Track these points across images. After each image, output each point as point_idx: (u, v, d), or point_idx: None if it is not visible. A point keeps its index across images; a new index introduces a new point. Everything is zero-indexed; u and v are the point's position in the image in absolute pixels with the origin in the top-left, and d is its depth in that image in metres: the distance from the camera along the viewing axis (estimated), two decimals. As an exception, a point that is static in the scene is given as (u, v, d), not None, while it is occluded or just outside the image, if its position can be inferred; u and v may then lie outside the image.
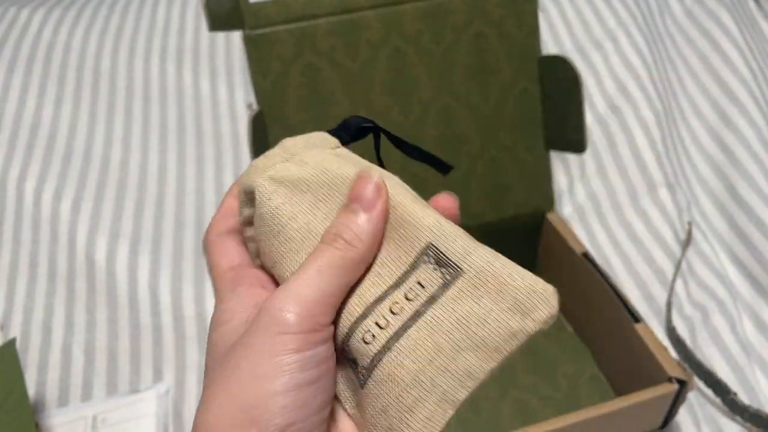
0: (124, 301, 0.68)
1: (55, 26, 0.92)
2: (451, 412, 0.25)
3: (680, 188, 0.77)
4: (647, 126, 0.81)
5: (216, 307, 0.27)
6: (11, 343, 0.57)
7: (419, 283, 0.25)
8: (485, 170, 0.65)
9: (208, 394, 0.24)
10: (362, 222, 0.26)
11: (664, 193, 0.76)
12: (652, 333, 0.55)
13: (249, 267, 0.29)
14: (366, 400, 0.25)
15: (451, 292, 0.25)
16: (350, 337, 0.25)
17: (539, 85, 0.64)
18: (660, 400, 0.51)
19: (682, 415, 0.58)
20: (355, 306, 0.26)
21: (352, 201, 0.26)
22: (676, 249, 0.72)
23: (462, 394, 0.25)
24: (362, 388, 0.25)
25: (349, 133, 0.31)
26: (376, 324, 0.25)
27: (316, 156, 0.29)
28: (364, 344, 0.25)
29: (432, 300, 0.25)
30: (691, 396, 0.60)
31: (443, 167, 0.32)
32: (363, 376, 0.25)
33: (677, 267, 0.69)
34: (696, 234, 0.73)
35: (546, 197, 0.67)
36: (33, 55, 0.89)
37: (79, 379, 0.63)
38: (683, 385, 0.51)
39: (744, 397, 0.59)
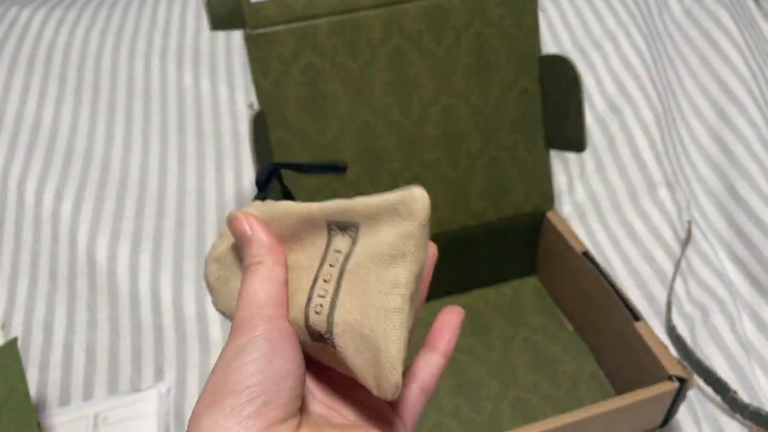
0: (125, 300, 0.69)
1: (56, 26, 0.92)
2: (396, 318, 0.27)
3: (680, 187, 0.77)
4: (647, 125, 0.81)
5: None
6: (13, 342, 0.57)
7: (337, 251, 0.30)
8: (485, 169, 0.65)
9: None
10: (254, 247, 0.30)
11: (663, 193, 0.77)
12: (652, 331, 0.55)
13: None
14: (345, 356, 0.28)
15: (360, 242, 0.29)
16: (308, 319, 0.29)
17: (539, 84, 0.64)
18: (660, 398, 0.51)
19: (683, 414, 0.58)
20: (301, 297, 0.30)
21: (237, 239, 0.31)
22: (676, 248, 0.72)
23: (396, 301, 0.28)
24: (336, 349, 0.28)
25: (261, 187, 0.34)
26: (319, 296, 0.29)
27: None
28: (317, 315, 0.29)
29: (348, 256, 0.29)
30: (691, 394, 0.60)
31: (339, 169, 0.35)
32: (330, 340, 0.28)
33: (677, 266, 0.70)
34: (695, 233, 0.73)
35: (546, 196, 0.68)
36: (34, 55, 0.89)
37: (80, 378, 0.64)
38: (683, 383, 0.51)
39: (744, 396, 0.59)
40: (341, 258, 0.29)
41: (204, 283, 0.70)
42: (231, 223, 0.31)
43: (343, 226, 0.30)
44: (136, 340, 0.66)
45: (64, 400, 0.62)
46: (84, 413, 0.60)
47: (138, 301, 0.68)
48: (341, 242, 0.30)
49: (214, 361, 0.67)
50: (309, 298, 0.29)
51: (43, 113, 0.84)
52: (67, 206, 0.75)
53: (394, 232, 0.28)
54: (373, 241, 0.29)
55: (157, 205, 0.77)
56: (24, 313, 0.68)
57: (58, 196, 0.76)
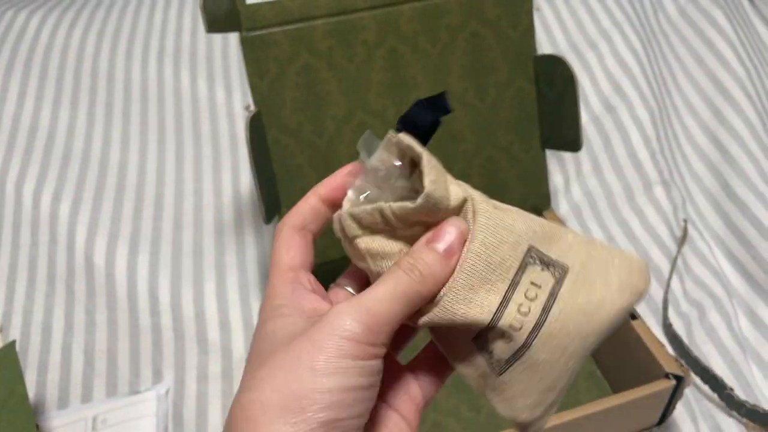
0: (123, 302, 0.69)
1: (52, 28, 0.92)
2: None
3: (675, 186, 0.78)
4: (642, 124, 0.82)
5: (271, 298, 0.28)
6: (11, 345, 0.57)
7: (533, 283, 0.28)
8: (482, 169, 0.65)
9: (261, 375, 0.25)
10: (439, 264, 0.27)
11: (659, 191, 0.77)
12: (648, 330, 0.55)
13: (308, 271, 0.30)
14: (504, 385, 0.29)
15: (566, 286, 0.28)
16: (489, 331, 0.28)
17: (535, 84, 0.64)
18: (657, 396, 0.51)
19: (680, 411, 0.59)
20: (482, 315, 0.28)
21: (436, 240, 0.28)
22: (672, 246, 0.72)
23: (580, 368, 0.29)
24: (499, 375, 0.29)
25: (417, 129, 0.30)
26: (511, 326, 0.28)
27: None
28: (505, 343, 0.28)
29: (552, 296, 0.28)
30: (688, 392, 0.60)
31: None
32: (499, 366, 0.28)
33: (673, 264, 0.70)
34: (691, 231, 0.74)
35: (542, 196, 0.68)
36: (31, 57, 0.89)
37: (79, 380, 0.64)
38: (680, 381, 0.51)
39: (740, 393, 0.59)
40: (545, 295, 0.28)
41: (202, 284, 0.71)
42: (453, 228, 0.28)
43: (548, 262, 0.28)
44: (135, 342, 0.66)
45: (63, 402, 0.62)
46: (83, 415, 0.60)
47: (136, 302, 0.69)
48: (540, 277, 0.28)
49: (213, 362, 0.66)
50: (497, 319, 0.28)
51: (41, 115, 0.84)
52: (65, 208, 0.75)
53: (612, 298, 0.28)
54: (585, 295, 0.28)
55: (155, 206, 0.77)
56: (22, 315, 0.68)
57: (56, 198, 0.76)
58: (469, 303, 0.27)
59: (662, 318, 0.66)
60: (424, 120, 0.30)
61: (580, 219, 0.77)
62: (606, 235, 0.75)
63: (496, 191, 0.66)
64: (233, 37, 0.92)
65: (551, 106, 0.64)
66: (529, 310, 0.28)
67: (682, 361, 0.62)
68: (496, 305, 0.28)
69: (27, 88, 0.86)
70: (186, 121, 0.85)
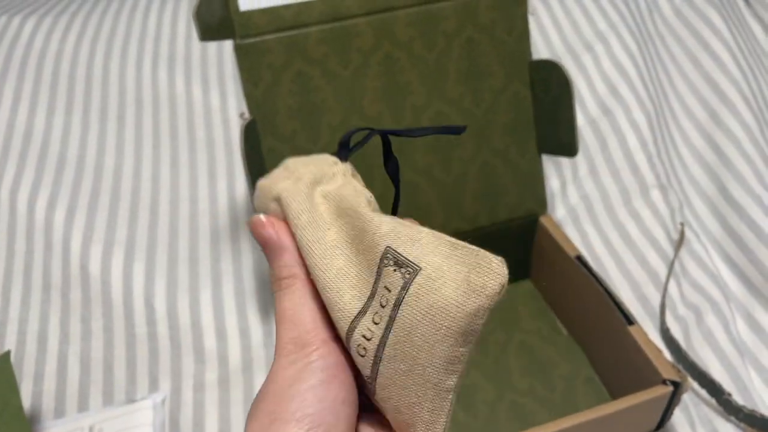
0: (119, 310, 0.68)
1: (46, 33, 0.92)
2: (449, 398, 0.27)
3: (672, 189, 0.77)
4: (639, 127, 0.81)
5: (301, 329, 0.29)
6: (6, 356, 0.57)
7: (386, 288, 0.27)
8: (478, 174, 0.65)
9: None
10: (284, 257, 0.29)
11: (656, 194, 0.77)
12: (645, 335, 0.55)
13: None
14: (382, 404, 0.28)
15: (413, 289, 0.26)
16: (350, 351, 0.28)
17: (530, 89, 0.64)
18: (655, 402, 0.51)
19: (677, 416, 0.59)
20: (343, 322, 0.27)
21: (263, 246, 0.30)
22: (669, 250, 0.72)
23: (452, 380, 0.26)
24: (373, 395, 0.28)
25: (346, 147, 0.32)
26: (363, 337, 0.27)
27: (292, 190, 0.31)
28: (360, 357, 0.27)
29: (399, 303, 0.26)
30: (686, 397, 0.60)
31: (455, 130, 0.32)
32: (371, 385, 0.27)
33: (670, 268, 0.70)
34: (688, 235, 0.73)
35: (539, 200, 0.68)
36: (25, 63, 0.89)
37: (75, 389, 0.63)
38: (678, 387, 0.51)
39: (738, 398, 0.59)
40: (391, 301, 0.26)
41: (198, 291, 0.70)
42: (254, 227, 0.30)
43: (401, 262, 0.26)
44: (131, 351, 0.66)
45: (59, 411, 0.62)
46: (79, 425, 0.60)
47: (132, 310, 0.68)
48: (391, 278, 0.26)
49: (209, 371, 0.66)
50: (351, 330, 0.27)
51: (35, 121, 0.84)
52: (60, 215, 0.75)
53: (458, 301, 0.25)
54: (430, 298, 0.25)
55: (150, 213, 0.77)
56: (18, 323, 0.68)
57: (51, 205, 0.76)
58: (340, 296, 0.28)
59: (659, 322, 0.66)
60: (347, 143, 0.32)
61: (577, 223, 0.77)
62: (603, 238, 0.75)
63: (492, 196, 0.66)
64: (228, 43, 0.92)
65: (547, 111, 0.64)
66: (381, 319, 0.26)
67: (680, 366, 0.62)
68: (356, 311, 0.27)
69: (21, 94, 0.86)
70: (181, 126, 0.85)
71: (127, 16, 0.95)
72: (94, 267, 0.71)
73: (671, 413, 0.54)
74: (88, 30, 0.93)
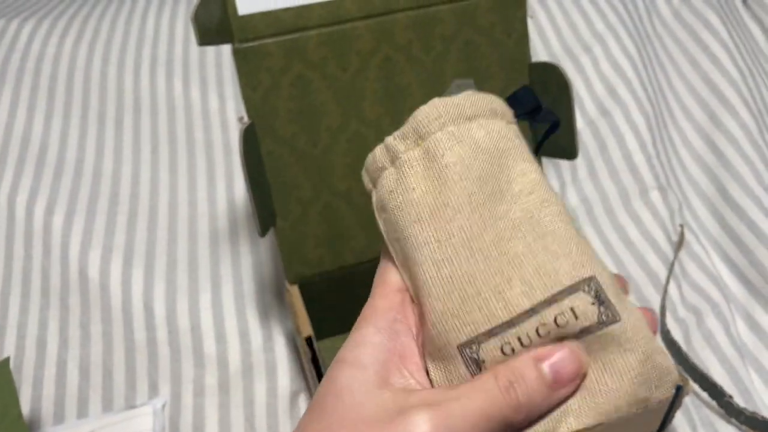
0: (118, 314, 0.68)
1: (44, 37, 0.92)
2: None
3: (671, 190, 0.77)
4: (637, 128, 0.81)
5: (357, 334, 0.25)
6: (5, 363, 0.57)
7: (572, 310, 0.25)
8: (478, 177, 0.65)
9: None
10: (541, 393, 0.24)
11: (655, 196, 0.77)
12: (646, 338, 0.55)
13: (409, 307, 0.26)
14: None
15: (605, 333, 0.25)
16: (485, 340, 0.25)
17: (530, 91, 0.64)
18: (656, 405, 0.51)
19: (679, 419, 0.58)
20: (500, 310, 0.25)
21: (545, 360, 0.24)
22: (669, 251, 0.72)
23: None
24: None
25: (524, 109, 0.29)
26: (519, 339, 0.25)
27: (498, 130, 0.28)
28: (501, 353, 0.25)
29: (582, 333, 0.25)
30: (687, 400, 0.60)
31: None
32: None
33: (670, 270, 0.70)
34: (688, 236, 0.73)
35: (539, 203, 0.68)
36: (23, 68, 0.89)
37: (74, 395, 0.63)
38: (679, 389, 0.51)
39: (739, 400, 0.59)
40: (575, 329, 0.26)
41: (198, 296, 0.70)
42: (572, 357, 0.24)
43: (603, 300, 0.26)
44: (130, 356, 0.66)
45: (59, 417, 0.62)
46: (79, 431, 0.60)
47: (131, 315, 0.68)
48: (585, 309, 0.25)
49: (209, 375, 0.66)
50: (509, 325, 0.25)
51: (33, 126, 0.83)
52: (58, 220, 0.75)
53: (635, 379, 0.27)
54: (614, 354, 0.26)
55: (149, 217, 0.76)
56: (16, 329, 0.68)
57: (49, 210, 0.76)
58: None
59: (660, 324, 0.66)
60: (529, 101, 0.29)
61: (576, 224, 0.77)
62: (602, 240, 0.75)
63: (492, 199, 0.66)
64: (226, 46, 0.92)
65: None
66: (547, 335, 0.25)
67: (681, 369, 0.62)
68: (522, 309, 0.25)
69: (19, 98, 0.85)
70: (179, 130, 0.84)
71: (125, 20, 0.95)
72: (93, 271, 0.71)
73: (673, 416, 0.53)
74: (86, 33, 0.93)
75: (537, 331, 0.24)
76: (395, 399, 0.22)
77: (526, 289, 0.25)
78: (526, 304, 0.25)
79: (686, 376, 0.59)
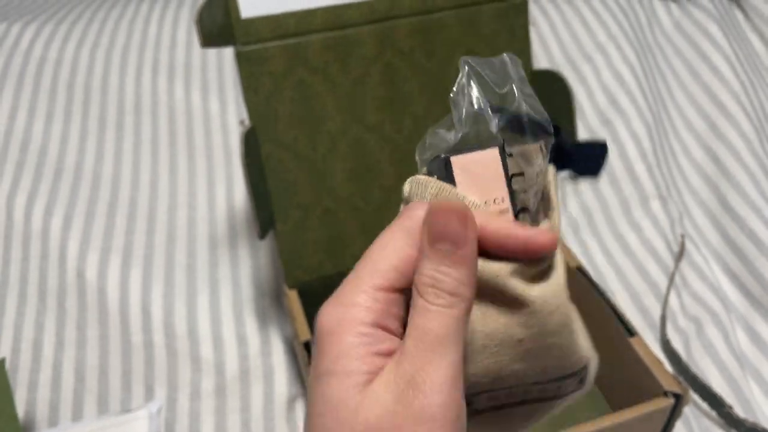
0: (115, 318, 0.68)
1: (46, 41, 0.92)
2: None
3: (672, 200, 0.77)
4: (638, 138, 0.81)
5: (345, 282, 0.24)
6: (1, 363, 0.56)
7: (559, 387, 0.29)
8: (478, 184, 0.65)
9: None
10: (462, 271, 0.23)
11: (656, 205, 0.77)
12: (647, 347, 0.54)
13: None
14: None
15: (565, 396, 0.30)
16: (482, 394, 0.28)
17: (531, 99, 0.64)
18: (656, 414, 0.51)
19: (678, 429, 0.58)
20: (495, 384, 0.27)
21: (437, 240, 0.23)
22: (669, 261, 0.72)
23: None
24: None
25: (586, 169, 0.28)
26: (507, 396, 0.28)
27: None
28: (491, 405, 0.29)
29: (554, 398, 0.30)
30: (687, 409, 0.60)
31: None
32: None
33: (671, 279, 0.69)
34: (688, 245, 0.73)
35: (539, 211, 0.67)
36: (24, 71, 0.89)
37: (69, 398, 0.63)
38: (679, 399, 0.51)
39: (739, 410, 0.59)
40: (551, 396, 0.31)
41: (195, 300, 0.70)
42: (445, 213, 0.23)
43: (583, 378, 0.31)
44: (126, 359, 0.65)
45: (53, 420, 0.61)
46: (73, 434, 0.59)
47: (128, 318, 0.68)
48: (569, 384, 0.30)
49: (206, 380, 0.66)
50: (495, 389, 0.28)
51: (33, 128, 0.83)
52: (57, 222, 0.75)
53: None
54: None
55: (148, 220, 0.76)
56: (13, 331, 0.67)
57: (48, 212, 0.75)
58: None
59: (660, 334, 0.66)
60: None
61: (577, 233, 0.76)
62: (603, 249, 0.75)
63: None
64: (228, 50, 0.92)
65: (548, 121, 0.64)
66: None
67: (681, 378, 0.61)
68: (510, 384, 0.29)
69: (20, 101, 0.85)
70: (180, 134, 0.84)
71: (128, 25, 0.95)
72: (91, 274, 0.70)
73: (672, 426, 0.53)
74: (88, 38, 0.93)
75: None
76: (387, 390, 0.22)
77: (516, 370, 0.29)
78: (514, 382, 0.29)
79: (686, 385, 0.59)
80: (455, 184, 0.26)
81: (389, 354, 0.23)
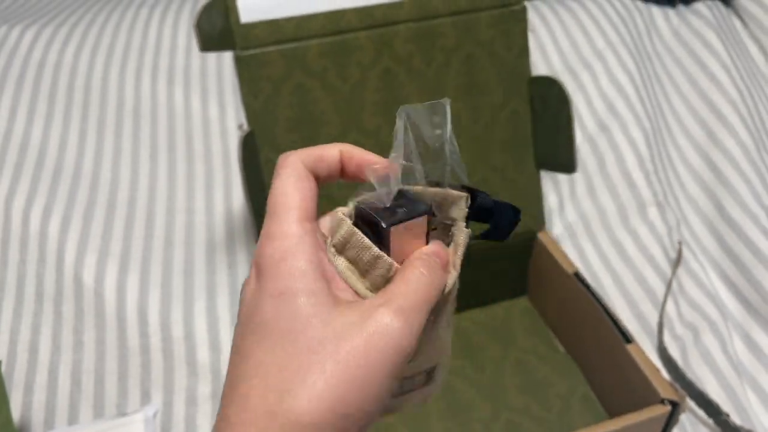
0: (112, 321, 0.68)
1: (46, 44, 0.92)
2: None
3: (669, 207, 0.77)
4: (636, 145, 0.82)
5: (268, 225, 0.27)
6: (-4, 366, 0.56)
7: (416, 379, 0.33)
8: (476, 190, 0.65)
9: (312, 380, 0.24)
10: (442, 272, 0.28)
11: (653, 212, 0.77)
12: (644, 354, 0.54)
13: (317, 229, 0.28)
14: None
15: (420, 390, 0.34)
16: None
17: (529, 106, 0.64)
18: (653, 422, 0.51)
19: (675, 436, 0.58)
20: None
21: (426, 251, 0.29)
22: (666, 268, 0.72)
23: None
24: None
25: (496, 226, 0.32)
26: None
27: None
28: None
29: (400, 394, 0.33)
30: (683, 417, 0.60)
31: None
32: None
33: (668, 286, 0.69)
34: (686, 253, 0.73)
35: (537, 217, 0.68)
36: (23, 73, 0.89)
37: (65, 401, 0.63)
38: (676, 407, 0.51)
39: (736, 418, 0.59)
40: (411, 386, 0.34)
41: (192, 304, 0.70)
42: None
43: (432, 375, 0.34)
44: (123, 363, 0.65)
45: (49, 424, 0.61)
46: (68, 438, 0.59)
47: (125, 322, 0.68)
48: (421, 379, 0.34)
49: (202, 384, 0.66)
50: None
51: (32, 131, 0.83)
52: (54, 225, 0.75)
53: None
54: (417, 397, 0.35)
55: (146, 224, 0.76)
56: (9, 334, 0.67)
57: (46, 215, 0.75)
58: None
59: (657, 341, 0.66)
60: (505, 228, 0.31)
61: (574, 240, 0.77)
62: (600, 256, 0.75)
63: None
64: (227, 55, 0.92)
65: (546, 128, 0.64)
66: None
67: (677, 385, 0.61)
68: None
69: (18, 104, 0.85)
70: (179, 138, 0.84)
71: (128, 29, 0.95)
72: (88, 278, 0.70)
73: (669, 433, 0.53)
74: (88, 41, 0.93)
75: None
76: (353, 310, 0.25)
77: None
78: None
79: (683, 393, 0.59)
80: (389, 252, 0.28)
81: (330, 278, 0.26)
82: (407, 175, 0.29)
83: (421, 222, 0.29)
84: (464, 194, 0.30)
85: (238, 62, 0.55)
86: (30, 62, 0.90)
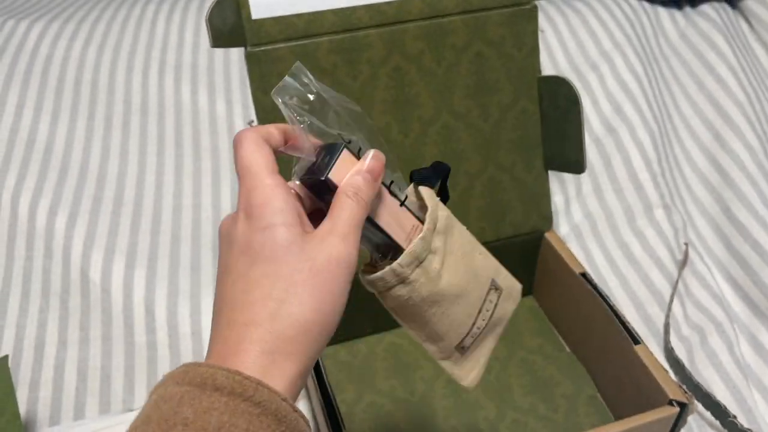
0: (118, 318, 0.68)
1: (53, 39, 0.92)
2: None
3: (676, 208, 0.77)
4: (643, 146, 0.82)
5: (248, 181, 0.33)
6: (3, 361, 0.56)
7: (490, 301, 0.42)
8: (484, 189, 0.65)
9: (303, 298, 0.31)
10: (371, 187, 0.35)
11: (660, 213, 0.77)
12: (652, 355, 0.54)
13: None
14: (465, 358, 0.44)
15: (500, 301, 0.43)
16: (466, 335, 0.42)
17: (538, 105, 0.64)
18: (660, 423, 0.51)
19: (681, 438, 0.58)
20: (463, 328, 0.42)
21: (364, 169, 0.35)
22: (673, 269, 0.72)
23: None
24: (463, 353, 0.43)
25: (428, 181, 0.41)
26: (477, 327, 0.42)
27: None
28: (471, 339, 0.42)
29: (495, 307, 0.43)
30: (691, 419, 0.59)
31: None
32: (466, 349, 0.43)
33: (674, 288, 0.69)
34: (692, 254, 0.73)
35: (544, 217, 0.67)
36: (30, 69, 0.89)
37: (71, 397, 0.62)
38: (684, 408, 0.50)
39: (743, 420, 0.59)
40: (492, 308, 0.42)
41: (199, 299, 0.70)
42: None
43: (495, 286, 0.42)
44: (129, 359, 0.65)
45: (55, 419, 0.61)
46: (75, 433, 0.59)
47: (132, 318, 0.68)
48: (493, 296, 0.42)
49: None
50: (472, 325, 0.42)
51: (39, 127, 0.83)
52: (61, 221, 0.75)
53: (509, 308, 0.45)
54: (502, 308, 0.43)
55: (153, 220, 0.76)
56: (15, 329, 0.67)
57: (53, 211, 0.75)
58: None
59: (663, 342, 0.66)
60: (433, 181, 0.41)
61: (581, 240, 0.76)
62: (606, 257, 0.75)
63: (497, 211, 0.65)
64: (234, 51, 0.92)
65: (555, 128, 0.64)
66: (484, 320, 0.43)
67: (684, 387, 0.61)
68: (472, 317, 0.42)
69: (26, 100, 0.85)
70: (186, 134, 0.84)
71: (135, 25, 0.95)
72: (95, 274, 0.70)
73: (676, 434, 0.53)
74: (95, 37, 0.93)
75: (481, 319, 0.43)
76: (315, 237, 0.33)
77: (470, 311, 0.42)
78: (471, 321, 0.43)
79: (690, 394, 0.59)
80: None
81: (300, 215, 0.33)
82: (323, 135, 0.36)
83: (345, 155, 0.35)
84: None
85: (249, 58, 0.55)
86: (37, 57, 0.90)
